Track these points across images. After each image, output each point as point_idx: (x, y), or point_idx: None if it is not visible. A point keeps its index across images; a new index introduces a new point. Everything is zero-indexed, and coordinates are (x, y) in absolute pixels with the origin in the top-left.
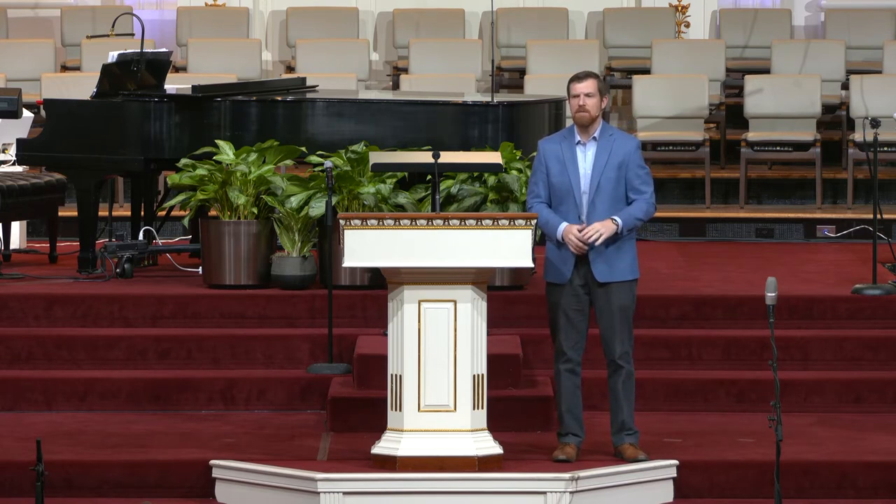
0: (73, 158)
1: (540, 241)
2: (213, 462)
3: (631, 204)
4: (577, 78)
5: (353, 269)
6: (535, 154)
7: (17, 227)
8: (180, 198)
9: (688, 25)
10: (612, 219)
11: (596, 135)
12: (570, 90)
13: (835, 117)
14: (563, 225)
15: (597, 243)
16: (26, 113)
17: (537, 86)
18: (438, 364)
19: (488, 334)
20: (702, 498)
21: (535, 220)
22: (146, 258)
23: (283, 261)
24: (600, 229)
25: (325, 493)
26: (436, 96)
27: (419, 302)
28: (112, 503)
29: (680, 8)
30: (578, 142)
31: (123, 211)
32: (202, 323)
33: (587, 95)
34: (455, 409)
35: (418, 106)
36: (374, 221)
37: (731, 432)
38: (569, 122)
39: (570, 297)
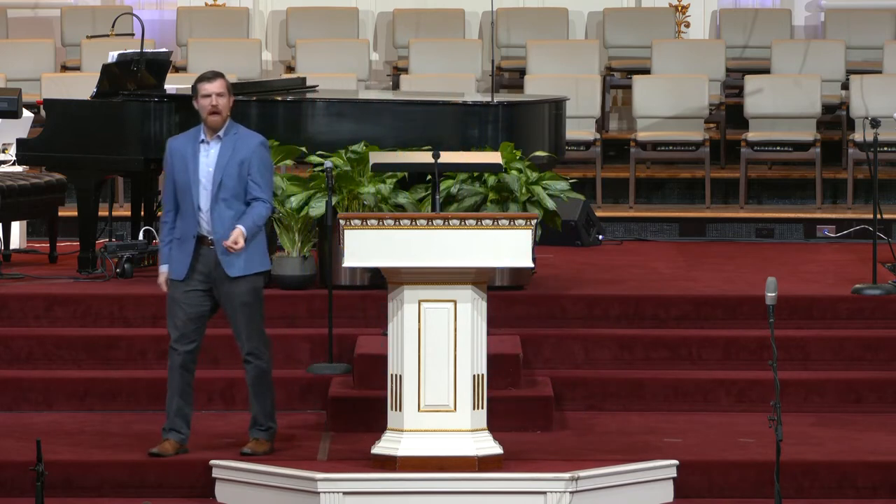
0: (73, 158)
1: (540, 241)
2: (213, 462)
3: (250, 206)
4: (206, 78)
5: (353, 269)
6: (534, 154)
7: (17, 227)
8: None
9: (688, 25)
10: (239, 228)
11: (221, 133)
12: (198, 90)
13: (835, 117)
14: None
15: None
16: (26, 113)
17: (537, 86)
18: (438, 364)
19: (488, 334)
20: (702, 498)
21: (535, 220)
22: (146, 258)
23: (283, 261)
24: (238, 239)
25: (325, 493)
26: (436, 96)
27: (419, 302)
28: (112, 503)
29: (680, 8)
30: (203, 140)
31: (123, 211)
32: None
33: (219, 95)
34: (455, 409)
35: (418, 106)
36: (374, 221)
37: (731, 432)
38: (569, 123)
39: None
